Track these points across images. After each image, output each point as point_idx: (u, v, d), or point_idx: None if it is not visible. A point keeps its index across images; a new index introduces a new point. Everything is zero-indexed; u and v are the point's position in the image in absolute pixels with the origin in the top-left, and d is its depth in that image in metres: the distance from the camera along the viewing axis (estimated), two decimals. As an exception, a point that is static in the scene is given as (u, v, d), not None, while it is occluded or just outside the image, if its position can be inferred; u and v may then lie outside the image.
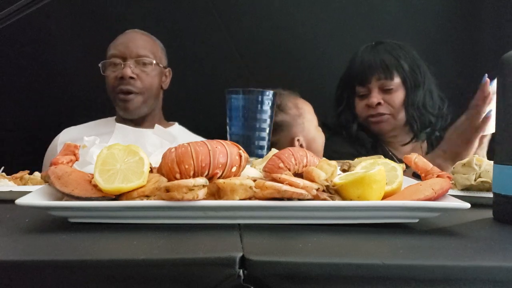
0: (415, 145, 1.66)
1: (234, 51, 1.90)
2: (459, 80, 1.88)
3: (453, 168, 0.84)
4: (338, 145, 1.62)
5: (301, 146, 1.57)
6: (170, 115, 1.71)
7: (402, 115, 1.61)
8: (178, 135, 1.61)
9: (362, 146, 1.60)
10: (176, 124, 1.71)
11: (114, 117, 1.67)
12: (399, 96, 1.60)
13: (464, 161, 0.83)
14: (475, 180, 0.81)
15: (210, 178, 0.60)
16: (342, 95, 1.67)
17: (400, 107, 1.60)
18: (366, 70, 1.59)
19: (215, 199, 0.60)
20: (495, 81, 1.16)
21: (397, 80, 1.58)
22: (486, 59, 1.81)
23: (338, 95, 1.68)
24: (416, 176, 0.87)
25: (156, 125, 1.59)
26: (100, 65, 1.58)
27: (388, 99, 1.59)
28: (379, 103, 1.59)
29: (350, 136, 1.63)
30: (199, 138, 1.63)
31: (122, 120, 1.62)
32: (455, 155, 1.27)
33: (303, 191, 0.57)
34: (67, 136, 1.61)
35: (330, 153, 1.54)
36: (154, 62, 1.59)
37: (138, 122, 1.62)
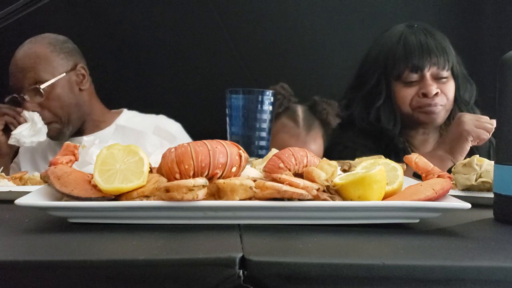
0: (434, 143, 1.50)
1: (234, 51, 1.90)
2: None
3: (454, 168, 0.84)
4: (358, 137, 1.45)
5: None
6: (171, 115, 1.70)
7: (448, 111, 1.43)
8: (128, 119, 1.55)
9: (382, 141, 1.42)
10: (125, 110, 1.62)
11: None
12: (451, 88, 1.41)
13: (465, 161, 0.83)
14: (475, 180, 0.81)
15: (210, 178, 0.60)
16: (379, 85, 1.42)
17: (452, 102, 1.42)
18: (424, 53, 1.36)
19: (215, 199, 0.60)
20: None
21: (449, 70, 1.40)
22: (486, 59, 1.81)
23: (373, 86, 1.43)
24: (416, 176, 0.87)
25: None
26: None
27: (443, 90, 1.39)
28: (436, 93, 1.37)
29: (387, 137, 1.41)
30: (153, 119, 1.59)
31: None
32: (453, 150, 1.24)
33: (303, 191, 0.57)
34: None
35: (349, 144, 1.41)
36: (46, 85, 1.39)
37: (79, 132, 1.51)
